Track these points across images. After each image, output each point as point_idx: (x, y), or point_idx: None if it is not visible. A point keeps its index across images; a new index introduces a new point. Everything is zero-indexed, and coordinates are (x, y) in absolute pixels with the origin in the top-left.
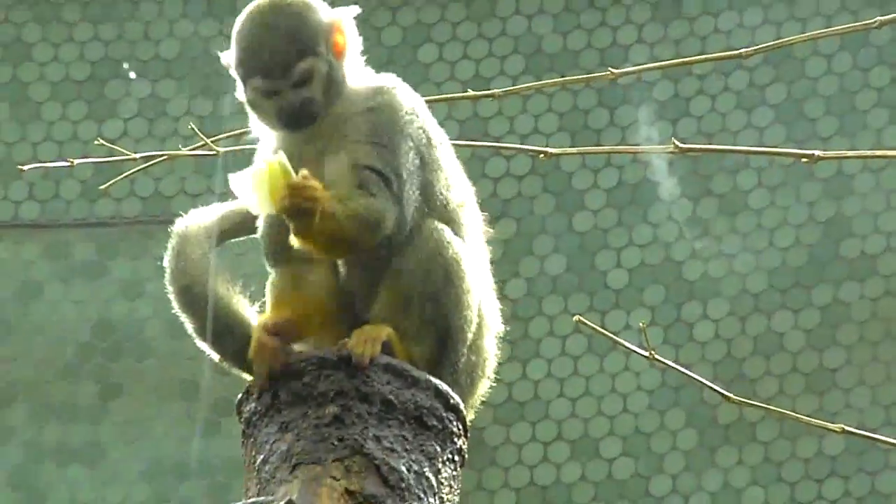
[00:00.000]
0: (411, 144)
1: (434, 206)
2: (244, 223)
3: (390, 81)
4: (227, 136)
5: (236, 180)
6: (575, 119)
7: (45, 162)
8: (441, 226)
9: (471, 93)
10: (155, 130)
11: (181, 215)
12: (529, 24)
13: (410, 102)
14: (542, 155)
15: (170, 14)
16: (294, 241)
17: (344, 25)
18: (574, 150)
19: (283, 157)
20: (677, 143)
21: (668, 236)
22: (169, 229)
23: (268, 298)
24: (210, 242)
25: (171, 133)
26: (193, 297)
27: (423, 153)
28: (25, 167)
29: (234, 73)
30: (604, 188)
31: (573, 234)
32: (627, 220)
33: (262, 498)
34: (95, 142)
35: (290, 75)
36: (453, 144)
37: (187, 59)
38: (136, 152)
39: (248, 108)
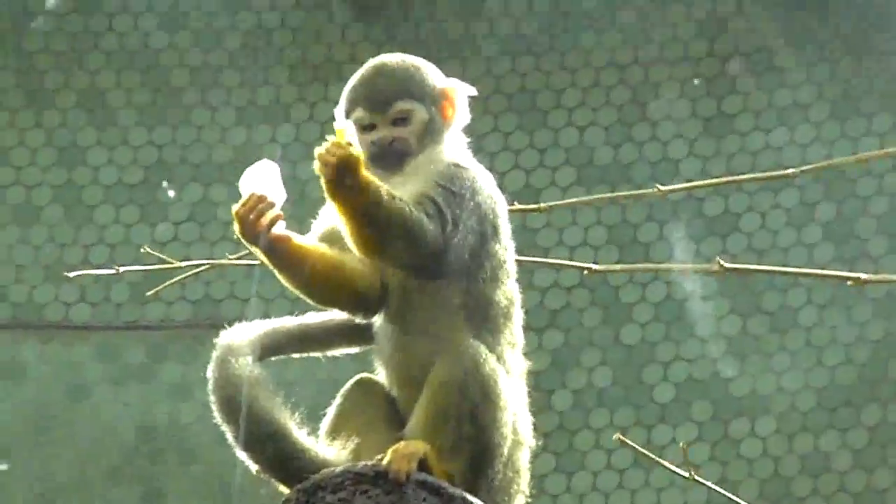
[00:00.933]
0: (479, 212)
1: (476, 287)
2: (288, 341)
3: (483, 167)
4: None
5: (247, 176)
6: (624, 232)
7: (95, 266)
8: (477, 343)
9: (517, 206)
10: (206, 234)
11: (230, 322)
12: (581, 135)
13: (492, 189)
14: (586, 271)
15: (223, 121)
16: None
17: (456, 96)
18: (619, 266)
19: (349, 128)
20: (722, 262)
21: (715, 352)
22: (218, 334)
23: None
24: (253, 356)
25: (220, 237)
26: (235, 408)
27: (486, 232)
28: (72, 273)
29: (340, 112)
30: (651, 302)
31: (620, 346)
32: (675, 335)
33: None
34: (143, 249)
35: (388, 110)
36: None
37: (239, 165)
38: (186, 256)
39: None
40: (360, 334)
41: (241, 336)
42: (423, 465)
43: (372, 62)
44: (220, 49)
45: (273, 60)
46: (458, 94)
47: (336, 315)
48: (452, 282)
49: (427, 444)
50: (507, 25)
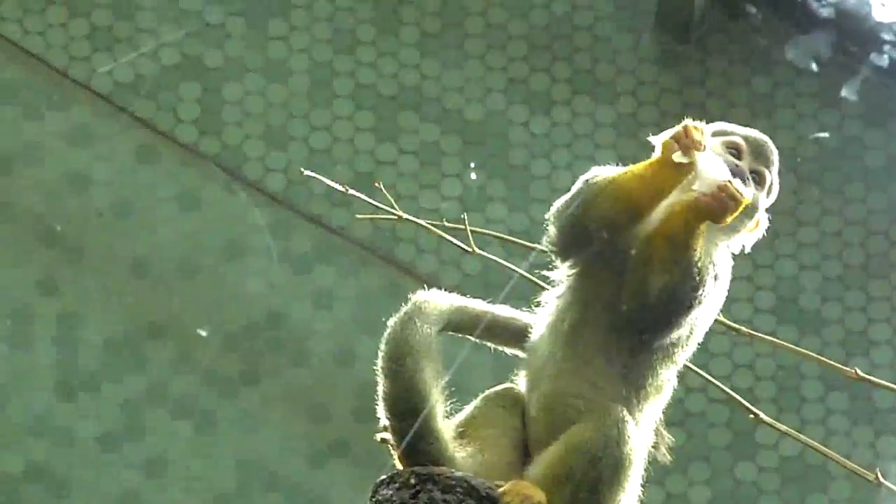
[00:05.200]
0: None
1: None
2: (472, 325)
3: None
4: None
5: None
6: None
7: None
8: (628, 417)
9: None
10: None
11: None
12: None
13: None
14: None
15: None
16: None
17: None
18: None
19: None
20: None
21: None
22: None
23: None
24: (437, 326)
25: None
26: (399, 368)
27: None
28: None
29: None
30: None
31: None
32: None
33: None
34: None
35: (762, 170)
36: None
37: None
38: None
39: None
40: None
41: (435, 303)
42: None
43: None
44: None
45: None
46: (762, 224)
47: (523, 316)
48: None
49: (545, 494)
50: None
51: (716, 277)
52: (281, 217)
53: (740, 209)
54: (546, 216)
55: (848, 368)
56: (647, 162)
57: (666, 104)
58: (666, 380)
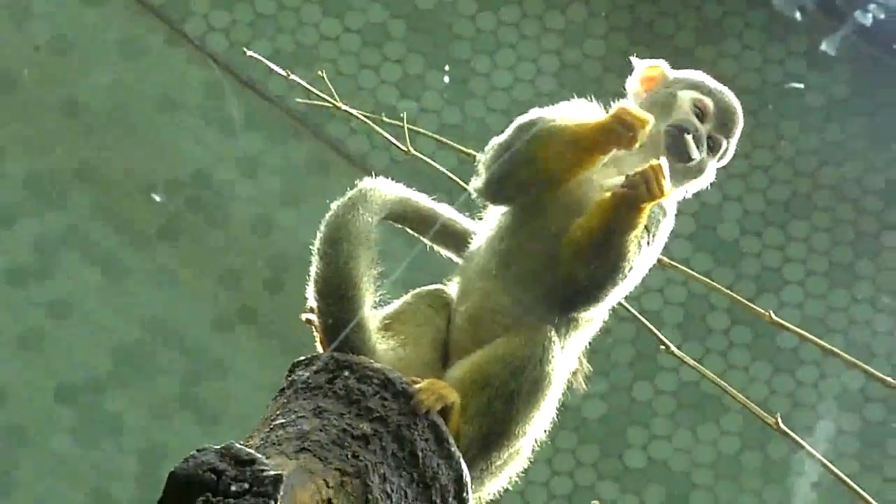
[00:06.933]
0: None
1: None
2: (415, 218)
3: None
4: None
5: None
6: None
7: None
8: (555, 338)
9: None
10: None
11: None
12: None
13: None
14: None
15: None
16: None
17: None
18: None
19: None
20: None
21: None
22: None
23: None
24: (379, 215)
25: None
26: (334, 252)
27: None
28: None
29: (666, 80)
30: None
31: None
32: None
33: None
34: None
35: (719, 139)
36: None
37: None
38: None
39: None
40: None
41: (381, 191)
42: (443, 411)
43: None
44: None
45: None
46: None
47: (465, 221)
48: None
49: (459, 397)
50: None
51: (651, 239)
52: (216, 78)
53: (660, 199)
54: (477, 157)
55: (762, 311)
56: (589, 125)
57: (615, 19)
58: (597, 314)
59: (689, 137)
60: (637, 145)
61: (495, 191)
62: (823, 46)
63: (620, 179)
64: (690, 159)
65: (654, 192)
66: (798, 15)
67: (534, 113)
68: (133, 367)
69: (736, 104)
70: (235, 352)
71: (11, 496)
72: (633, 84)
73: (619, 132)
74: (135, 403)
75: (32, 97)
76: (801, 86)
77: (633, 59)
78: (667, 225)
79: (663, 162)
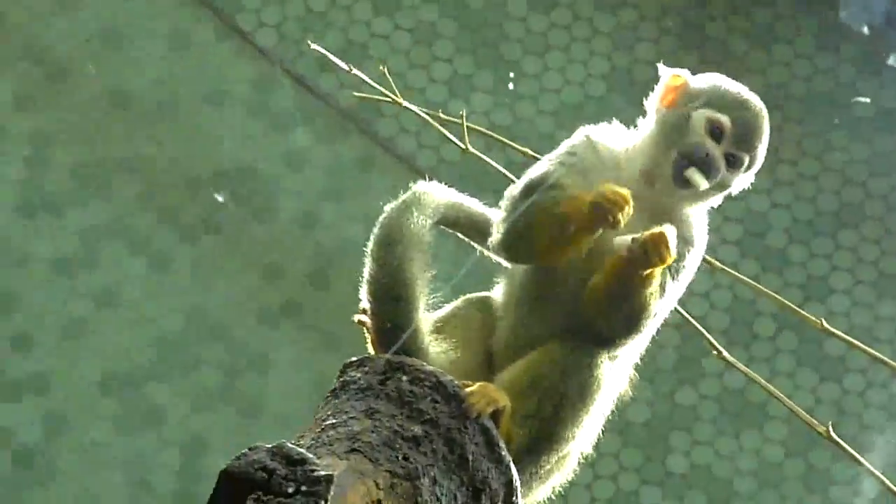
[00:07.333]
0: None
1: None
2: (467, 223)
3: None
4: None
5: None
6: None
7: None
8: (609, 364)
9: None
10: None
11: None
12: None
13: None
14: None
15: None
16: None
17: None
18: None
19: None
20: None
21: None
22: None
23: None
24: (433, 219)
25: None
26: (387, 254)
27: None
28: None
29: (687, 92)
30: None
31: None
32: None
33: (308, 454)
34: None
35: (740, 156)
36: None
37: None
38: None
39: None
40: None
41: (434, 195)
42: (494, 415)
43: (759, 104)
44: None
45: None
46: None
47: None
48: None
49: (510, 401)
50: None
51: (676, 275)
52: (265, 72)
53: (665, 265)
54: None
55: (814, 318)
56: (578, 203)
57: (667, 22)
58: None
59: (691, 172)
60: (622, 225)
61: (507, 258)
62: (891, 61)
63: (629, 239)
64: (698, 189)
65: (655, 262)
66: (866, 29)
67: (538, 170)
68: (176, 358)
69: (756, 116)
70: (277, 345)
71: (53, 485)
72: (654, 100)
73: (604, 213)
74: (177, 395)
75: (81, 87)
76: (857, 97)
77: (660, 67)
78: (696, 252)
79: (668, 230)
